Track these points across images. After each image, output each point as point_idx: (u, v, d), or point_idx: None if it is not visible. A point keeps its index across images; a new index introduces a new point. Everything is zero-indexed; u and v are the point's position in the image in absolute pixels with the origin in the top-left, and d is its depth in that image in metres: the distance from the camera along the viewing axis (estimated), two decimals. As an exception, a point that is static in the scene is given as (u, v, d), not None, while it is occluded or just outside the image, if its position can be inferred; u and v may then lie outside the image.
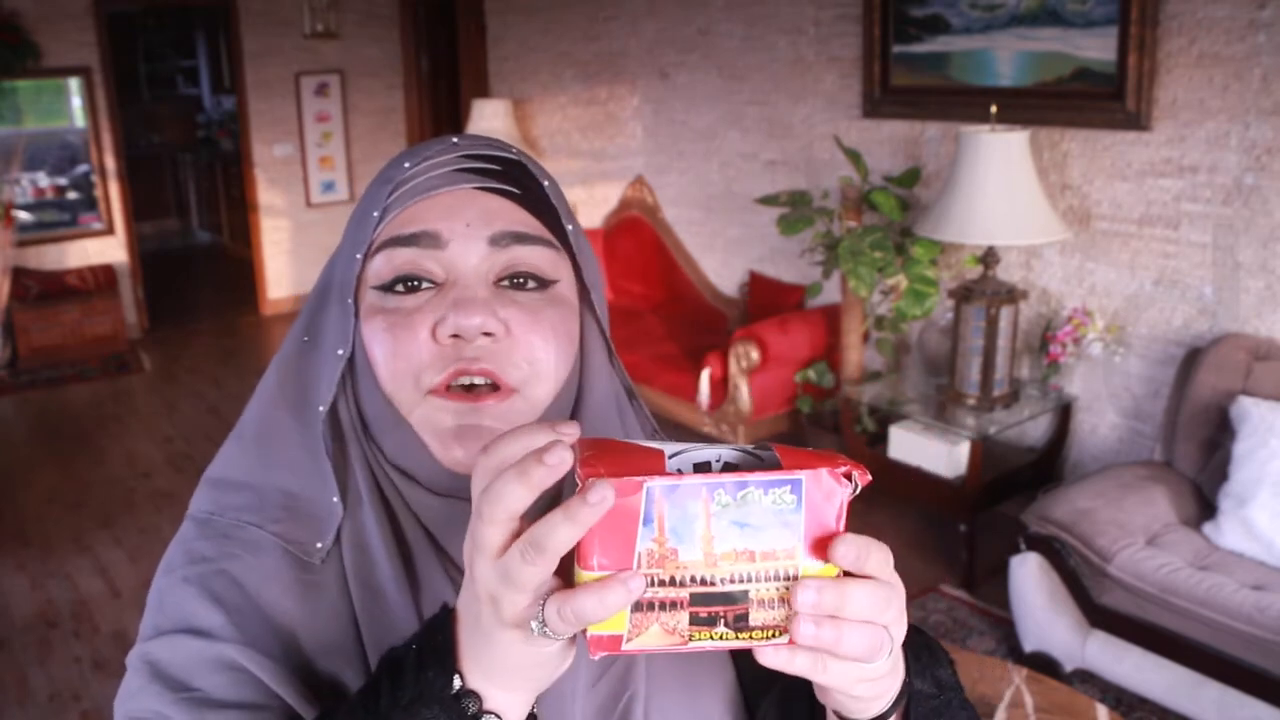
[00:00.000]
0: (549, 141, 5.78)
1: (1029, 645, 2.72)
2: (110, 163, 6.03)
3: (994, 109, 3.10)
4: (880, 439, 3.48)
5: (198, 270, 8.45)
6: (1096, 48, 3.10)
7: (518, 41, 5.91)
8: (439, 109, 6.86)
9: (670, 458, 0.45)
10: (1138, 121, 3.03)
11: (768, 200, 3.85)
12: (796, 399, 3.94)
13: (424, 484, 0.62)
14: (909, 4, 3.64)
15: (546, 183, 0.65)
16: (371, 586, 0.61)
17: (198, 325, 6.61)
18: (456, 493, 0.61)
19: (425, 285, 0.61)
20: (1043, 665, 2.61)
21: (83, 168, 6.16)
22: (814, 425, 3.88)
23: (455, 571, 0.62)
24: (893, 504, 3.59)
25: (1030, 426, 3.42)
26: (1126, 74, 3.02)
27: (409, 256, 0.61)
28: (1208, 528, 2.58)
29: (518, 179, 0.64)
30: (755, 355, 3.84)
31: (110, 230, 6.14)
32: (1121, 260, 3.19)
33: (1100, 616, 2.54)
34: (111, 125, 5.97)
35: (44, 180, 6.39)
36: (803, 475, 0.44)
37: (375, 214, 0.62)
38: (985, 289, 3.10)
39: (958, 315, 3.17)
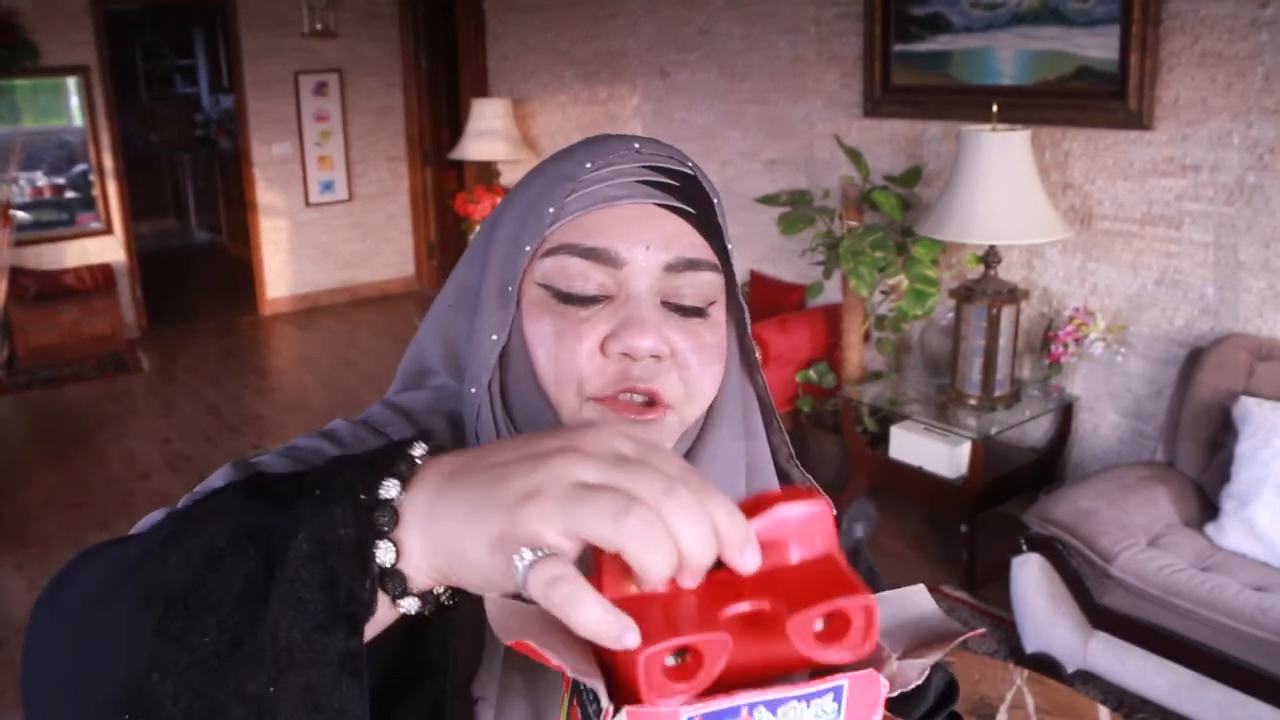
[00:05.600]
0: (549, 141, 5.76)
1: (1030, 646, 2.71)
2: (108, 162, 6.02)
3: (995, 108, 3.09)
4: (881, 439, 3.48)
5: (196, 270, 8.44)
6: (1098, 47, 3.09)
7: (517, 40, 5.90)
8: (438, 108, 6.85)
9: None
10: (1140, 121, 3.03)
11: (768, 200, 3.84)
12: (797, 399, 3.93)
13: None
14: (910, 3, 3.63)
15: (716, 200, 0.66)
16: None
17: (196, 325, 6.59)
18: None
19: (596, 296, 0.63)
20: (1044, 666, 2.60)
21: (81, 167, 6.15)
22: (814, 425, 3.87)
23: None
24: (894, 504, 3.59)
25: (1031, 427, 3.41)
26: (1128, 73, 3.01)
27: (584, 269, 0.62)
28: (1210, 528, 2.57)
29: (692, 195, 0.65)
30: (756, 355, 3.83)
31: (108, 230, 6.13)
32: (1123, 260, 3.18)
33: (1102, 617, 2.54)
34: (109, 124, 5.96)
35: (42, 180, 6.38)
36: (845, 681, 0.41)
37: (551, 210, 0.63)
38: (986, 289, 3.09)
39: (959, 315, 3.16)
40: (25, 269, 5.77)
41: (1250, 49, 2.79)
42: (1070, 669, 2.63)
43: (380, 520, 0.42)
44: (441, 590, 0.44)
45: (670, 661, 0.39)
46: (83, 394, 5.36)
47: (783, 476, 0.73)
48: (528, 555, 0.38)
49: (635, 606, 0.39)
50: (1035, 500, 2.84)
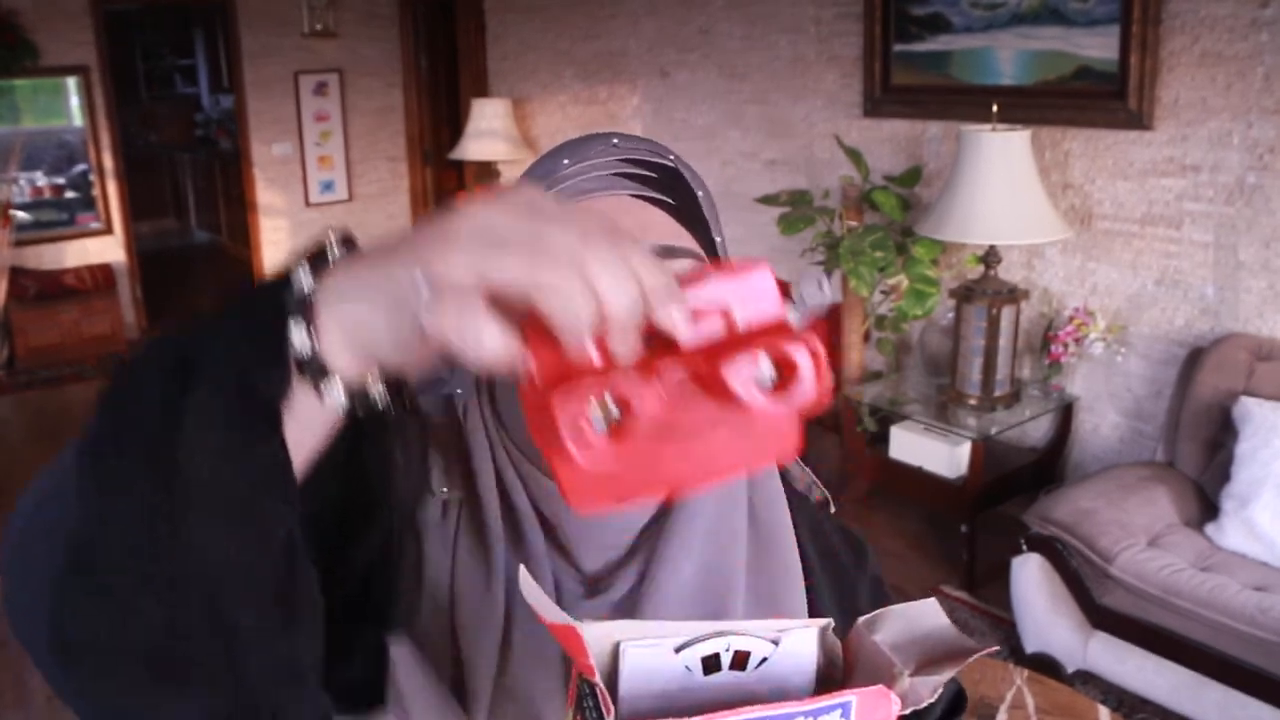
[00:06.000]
0: (549, 141, 5.76)
1: (1030, 646, 2.71)
2: (108, 162, 6.01)
3: (995, 108, 3.09)
4: (881, 439, 3.47)
5: (196, 270, 8.43)
6: (1098, 46, 3.09)
7: (517, 40, 5.90)
8: (438, 108, 6.85)
9: (677, 650, 0.41)
10: (1140, 121, 3.03)
11: (768, 200, 3.84)
12: (797, 399, 3.93)
13: (546, 474, 0.62)
14: (910, 3, 3.63)
15: (701, 193, 0.65)
16: (480, 543, 0.61)
17: (196, 325, 6.59)
18: None
19: None
20: (1044, 666, 2.60)
21: (81, 167, 6.15)
22: (814, 425, 3.87)
23: (558, 556, 0.62)
24: (893, 504, 3.58)
25: (1031, 427, 3.41)
26: (1128, 73, 3.01)
27: None
28: (1210, 528, 2.58)
29: (673, 187, 0.64)
30: (755, 355, 3.83)
31: (108, 230, 6.13)
32: (1123, 260, 3.18)
33: (1102, 617, 2.54)
34: (109, 124, 5.96)
35: (42, 180, 6.38)
36: (852, 697, 0.40)
37: None
38: (986, 289, 3.09)
39: (959, 315, 3.16)
40: (25, 269, 5.76)
41: (1250, 49, 2.79)
42: (1070, 669, 2.63)
43: (291, 307, 0.40)
44: (373, 390, 0.42)
45: (601, 427, 0.37)
46: (83, 394, 5.36)
47: (782, 474, 0.72)
48: (424, 288, 0.37)
49: (567, 373, 0.37)
50: (1035, 500, 2.85)
